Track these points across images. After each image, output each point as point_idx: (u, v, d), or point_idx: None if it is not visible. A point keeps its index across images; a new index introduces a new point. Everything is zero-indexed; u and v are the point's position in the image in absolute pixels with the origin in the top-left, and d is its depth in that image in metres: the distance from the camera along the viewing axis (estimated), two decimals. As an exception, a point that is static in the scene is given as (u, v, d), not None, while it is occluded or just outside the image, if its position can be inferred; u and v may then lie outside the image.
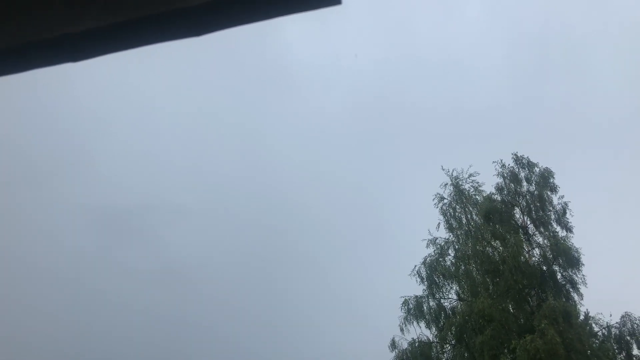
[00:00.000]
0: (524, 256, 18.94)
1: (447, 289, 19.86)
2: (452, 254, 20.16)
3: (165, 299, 35.50)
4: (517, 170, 21.09)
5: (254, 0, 1.01)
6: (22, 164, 41.51)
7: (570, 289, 18.74)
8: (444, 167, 21.50)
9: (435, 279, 19.78)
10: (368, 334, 24.92)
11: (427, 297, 19.65)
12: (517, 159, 21.20)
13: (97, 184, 41.71)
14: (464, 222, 20.53)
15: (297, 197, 41.82)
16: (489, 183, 21.08)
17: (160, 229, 42.92)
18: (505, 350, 16.88)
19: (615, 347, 17.86)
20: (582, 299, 18.47)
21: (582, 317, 17.94)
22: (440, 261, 19.96)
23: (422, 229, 20.81)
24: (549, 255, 19.22)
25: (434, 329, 19.18)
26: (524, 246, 19.26)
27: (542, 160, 21.05)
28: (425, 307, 19.43)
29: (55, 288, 36.28)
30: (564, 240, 19.33)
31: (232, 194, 43.68)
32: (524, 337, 15.94)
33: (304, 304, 33.52)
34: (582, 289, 18.62)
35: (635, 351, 17.91)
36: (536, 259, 19.51)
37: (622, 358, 17.87)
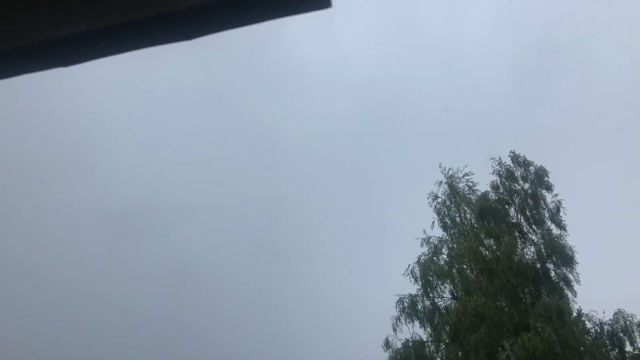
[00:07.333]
0: (518, 254, 19.03)
1: (441, 288, 19.91)
2: (446, 253, 20.23)
3: (173, 299, 35.37)
4: (513, 168, 21.21)
5: (242, 4, 1.01)
6: (25, 166, 41.27)
7: (564, 287, 18.85)
8: (441, 165, 21.57)
9: (430, 278, 19.81)
10: (361, 334, 24.90)
11: (422, 296, 19.68)
12: (514, 157, 21.29)
13: (102, 186, 41.50)
14: (458, 220, 20.59)
15: (300, 198, 41.74)
16: (485, 181, 21.16)
17: (167, 230, 42.73)
18: (500, 349, 16.97)
19: (608, 344, 17.99)
20: (576, 297, 18.62)
21: (575, 315, 18.07)
22: (434, 260, 20.00)
23: (418, 228, 20.87)
24: (543, 253, 19.33)
25: (428, 328, 19.21)
26: (518, 244, 19.35)
27: (539, 159, 21.15)
28: (419, 306, 19.47)
29: (60, 290, 36.05)
30: (558, 238, 19.44)
31: (239, 194, 43.63)
32: (520, 335, 16.03)
33: (303, 303, 33.51)
34: (576, 286, 18.78)
35: (628, 347, 18.05)
36: (530, 257, 19.61)
37: (615, 354, 18.00)
